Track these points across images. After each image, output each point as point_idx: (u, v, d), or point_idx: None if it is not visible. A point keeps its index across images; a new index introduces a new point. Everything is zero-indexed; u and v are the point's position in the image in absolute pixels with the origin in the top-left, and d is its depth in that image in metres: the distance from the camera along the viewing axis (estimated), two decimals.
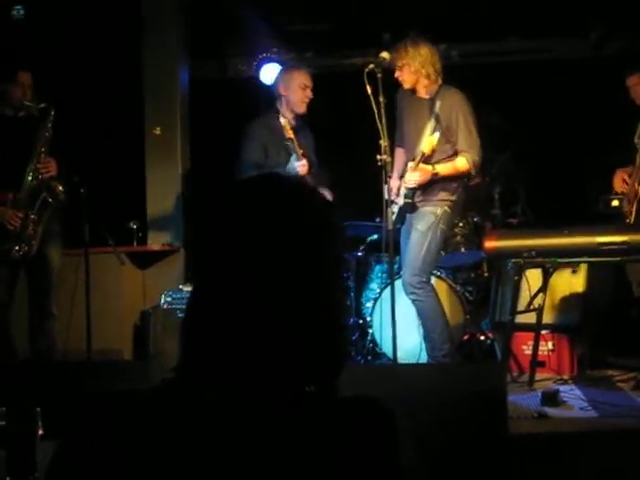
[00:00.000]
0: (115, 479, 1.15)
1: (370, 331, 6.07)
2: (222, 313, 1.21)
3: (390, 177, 5.11)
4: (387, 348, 5.71)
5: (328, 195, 5.84)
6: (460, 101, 5.16)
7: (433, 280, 5.47)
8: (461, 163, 5.13)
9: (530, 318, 5.20)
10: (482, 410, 3.56)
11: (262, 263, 1.20)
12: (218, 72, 8.37)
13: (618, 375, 5.22)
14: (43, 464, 2.26)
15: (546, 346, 5.41)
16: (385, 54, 5.09)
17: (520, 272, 5.22)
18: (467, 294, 6.11)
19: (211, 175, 6.85)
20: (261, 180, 1.33)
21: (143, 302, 6.72)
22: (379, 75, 4.94)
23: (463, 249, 6.30)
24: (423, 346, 5.34)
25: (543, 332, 5.29)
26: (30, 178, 5.20)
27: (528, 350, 5.33)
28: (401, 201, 5.21)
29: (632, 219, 5.27)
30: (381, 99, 4.93)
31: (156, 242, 7.19)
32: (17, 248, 5.15)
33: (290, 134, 5.51)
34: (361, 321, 6.35)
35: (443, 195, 5.19)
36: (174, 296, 5.77)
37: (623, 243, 4.82)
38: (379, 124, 4.94)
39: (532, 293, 5.17)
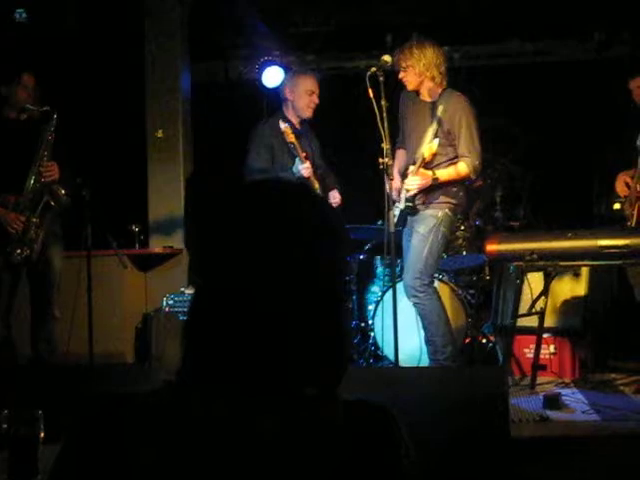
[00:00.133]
0: None
1: (372, 334, 6.07)
2: (224, 316, 1.21)
3: (392, 179, 5.10)
4: (389, 351, 5.71)
5: (337, 197, 5.86)
6: (463, 105, 5.15)
7: (435, 283, 5.46)
8: (461, 168, 5.12)
9: (532, 321, 5.19)
10: (484, 413, 3.55)
11: (264, 266, 1.20)
12: (220, 75, 8.38)
13: (620, 378, 5.22)
14: (45, 467, 2.26)
15: (548, 349, 5.41)
16: (387, 57, 5.08)
17: (522, 275, 5.22)
18: (469, 297, 6.10)
19: (213, 178, 6.86)
20: (264, 184, 1.33)
21: (145, 305, 6.73)
22: (381, 78, 4.94)
23: (465, 252, 6.31)
24: (424, 349, 5.33)
25: (545, 335, 5.29)
26: (32, 181, 5.20)
27: (530, 353, 5.33)
28: (402, 204, 5.20)
29: (634, 222, 5.26)
30: (383, 102, 4.93)
31: (158, 245, 7.20)
32: (19, 251, 5.15)
33: (292, 139, 5.52)
34: (363, 324, 6.35)
35: (444, 198, 5.18)
36: (176, 299, 5.77)
37: (625, 247, 4.82)
38: (381, 127, 4.93)
39: (534, 296, 5.16)
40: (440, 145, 5.08)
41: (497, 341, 5.88)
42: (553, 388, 5.00)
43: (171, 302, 5.79)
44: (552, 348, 5.44)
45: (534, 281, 5.27)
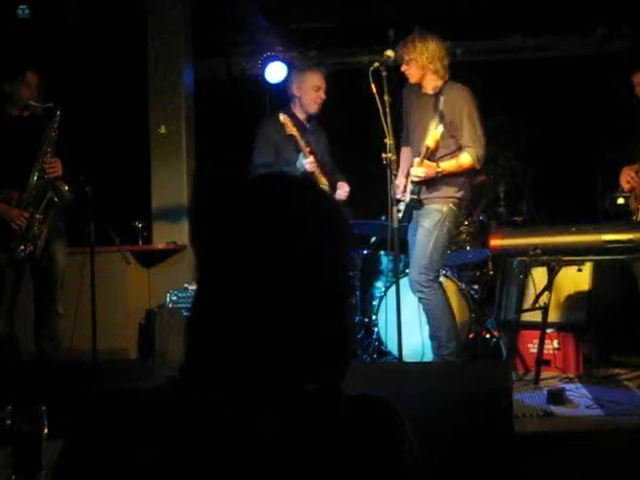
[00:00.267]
0: (120, 477, 1.15)
1: (376, 329, 6.07)
2: (227, 312, 1.21)
3: (396, 176, 5.10)
4: (392, 346, 5.71)
5: (345, 188, 5.87)
6: (464, 96, 5.15)
7: (441, 278, 5.46)
8: (465, 159, 5.10)
9: (536, 316, 5.19)
10: (487, 409, 3.55)
11: (267, 261, 1.20)
12: (222, 71, 8.38)
13: (624, 373, 5.21)
14: (49, 463, 2.26)
15: (552, 344, 5.40)
16: (390, 52, 5.08)
17: (525, 270, 5.22)
18: (472, 292, 6.10)
19: (213, 173, 6.86)
20: (267, 178, 1.32)
21: (148, 301, 6.73)
22: (384, 73, 4.94)
23: (468, 247, 6.31)
24: (427, 344, 5.33)
25: (549, 330, 5.28)
26: (36, 178, 5.21)
27: (534, 348, 5.32)
28: (407, 198, 5.20)
29: (638, 216, 5.25)
30: (386, 98, 4.93)
31: (161, 241, 7.21)
32: (22, 247, 5.16)
33: (292, 130, 5.55)
34: (367, 319, 6.35)
35: (448, 192, 5.17)
36: (179, 295, 5.77)
37: (629, 241, 4.81)
38: (384, 122, 4.93)
39: (537, 291, 5.16)
40: (442, 136, 5.07)
41: (501, 336, 5.88)
42: (557, 383, 4.99)
43: (174, 298, 5.79)
44: (556, 343, 5.43)
45: (538, 276, 5.27)
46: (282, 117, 5.57)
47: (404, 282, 5.31)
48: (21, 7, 6.53)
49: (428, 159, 5.06)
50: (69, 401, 2.29)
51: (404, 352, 5.03)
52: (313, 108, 5.77)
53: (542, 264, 5.12)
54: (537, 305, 5.12)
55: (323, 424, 1.16)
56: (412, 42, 5.13)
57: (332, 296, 1.24)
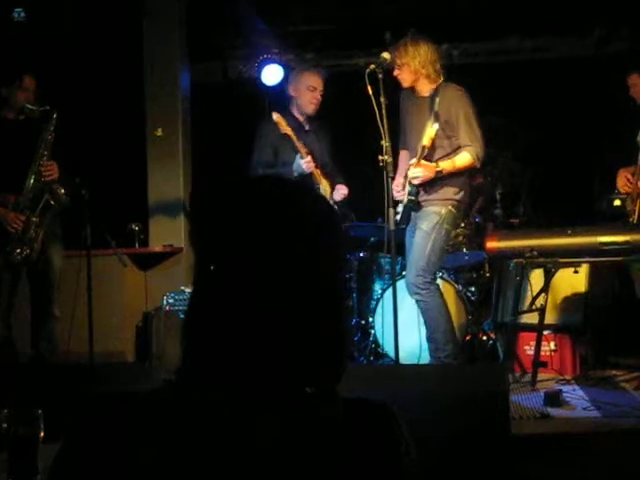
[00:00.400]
0: (119, 479, 1.15)
1: (372, 332, 6.07)
2: (225, 313, 1.21)
3: (393, 178, 5.10)
4: (389, 349, 5.71)
5: (344, 190, 5.89)
6: (458, 96, 5.15)
7: (438, 281, 5.46)
8: (465, 157, 5.09)
9: (532, 318, 5.19)
10: (485, 411, 3.55)
11: (265, 263, 1.20)
12: (219, 74, 8.38)
13: (621, 375, 5.22)
14: (45, 466, 2.26)
15: (548, 346, 5.40)
16: (386, 54, 5.08)
17: (522, 272, 5.22)
18: (469, 294, 6.10)
19: (212, 176, 6.86)
20: (264, 180, 1.33)
21: (145, 304, 6.73)
22: (380, 76, 4.94)
23: (465, 249, 6.30)
24: (424, 347, 5.33)
25: (545, 332, 5.29)
26: (32, 181, 5.20)
27: (530, 350, 5.32)
28: (405, 200, 5.20)
29: (635, 218, 5.26)
30: (382, 100, 4.93)
31: (158, 244, 7.20)
32: (19, 250, 5.16)
33: (287, 130, 5.59)
34: (363, 322, 6.35)
35: (447, 195, 5.17)
36: (176, 297, 5.77)
37: (625, 243, 4.82)
38: (380, 124, 4.93)
39: (534, 293, 5.16)
40: (437, 137, 5.07)
41: (498, 338, 5.88)
42: (554, 385, 4.99)
43: (171, 301, 5.79)
44: (553, 345, 5.43)
45: (534, 278, 5.27)
46: (275, 116, 5.62)
47: (401, 284, 5.31)
48: (17, 10, 6.53)
49: (425, 159, 5.06)
50: (66, 404, 2.29)
51: (401, 354, 5.02)
52: (309, 109, 5.81)
53: (538, 266, 5.13)
54: (534, 307, 5.13)
55: (321, 426, 1.16)
56: (404, 46, 5.13)
57: (329, 297, 1.25)
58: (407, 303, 5.32)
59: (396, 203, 5.16)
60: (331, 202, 5.80)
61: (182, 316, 5.61)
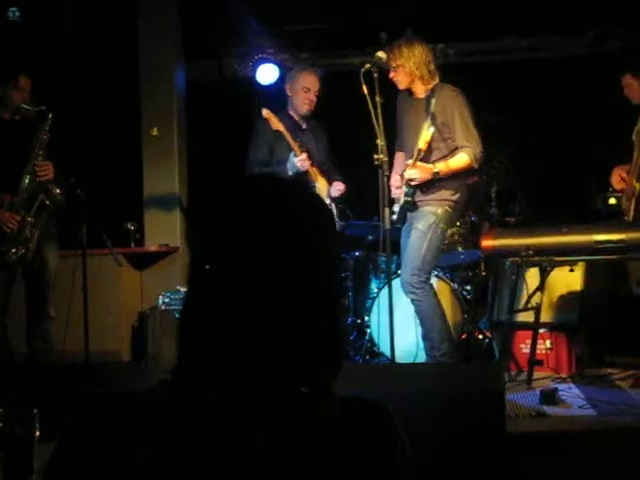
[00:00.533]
0: (115, 478, 1.15)
1: (368, 331, 6.07)
2: (220, 311, 1.21)
3: (388, 177, 5.09)
4: (385, 348, 5.71)
5: (340, 187, 5.90)
6: (454, 97, 5.15)
7: (432, 280, 5.46)
8: (462, 158, 5.08)
9: (528, 317, 5.20)
10: (480, 409, 3.55)
11: (260, 261, 1.20)
12: (214, 73, 8.37)
13: (616, 373, 5.22)
14: (40, 466, 2.26)
15: (544, 345, 5.41)
16: (381, 54, 5.08)
17: (518, 271, 5.22)
18: (465, 293, 6.10)
19: (208, 175, 6.86)
20: (259, 179, 1.33)
21: (141, 303, 6.72)
22: (375, 75, 4.94)
23: (460, 248, 6.30)
24: (420, 346, 5.33)
25: (541, 331, 5.29)
26: (27, 181, 5.20)
27: (526, 349, 5.33)
28: (402, 200, 5.20)
29: (630, 216, 5.26)
30: (377, 99, 4.92)
31: (153, 243, 7.20)
32: (14, 250, 5.15)
33: (279, 126, 5.62)
34: (359, 321, 6.35)
35: (444, 195, 5.17)
36: (172, 297, 5.77)
37: (620, 241, 4.82)
38: (375, 124, 4.93)
39: (530, 292, 5.16)
40: (434, 140, 5.07)
41: (493, 337, 5.88)
42: (550, 383, 4.99)
43: (167, 300, 5.79)
44: (548, 343, 5.44)
45: (530, 276, 5.27)
46: (265, 112, 5.65)
47: (397, 283, 5.31)
48: (11, 9, 6.52)
49: (421, 161, 5.07)
50: (62, 403, 2.28)
51: (397, 353, 5.02)
52: (303, 109, 5.84)
53: (534, 264, 5.13)
54: (529, 305, 5.13)
55: (316, 425, 1.16)
56: (399, 48, 5.13)
57: (324, 296, 1.25)
58: (403, 302, 5.32)
59: (392, 202, 5.15)
60: (328, 200, 5.81)
61: (178, 315, 5.62)
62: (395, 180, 5.24)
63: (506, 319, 5.44)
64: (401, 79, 5.20)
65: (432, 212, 5.14)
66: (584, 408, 4.37)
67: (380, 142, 4.95)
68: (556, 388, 4.68)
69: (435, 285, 5.51)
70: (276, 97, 6.12)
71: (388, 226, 4.99)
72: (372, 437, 1.17)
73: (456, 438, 3.38)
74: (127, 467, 1.14)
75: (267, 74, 7.39)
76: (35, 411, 2.33)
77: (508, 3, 7.33)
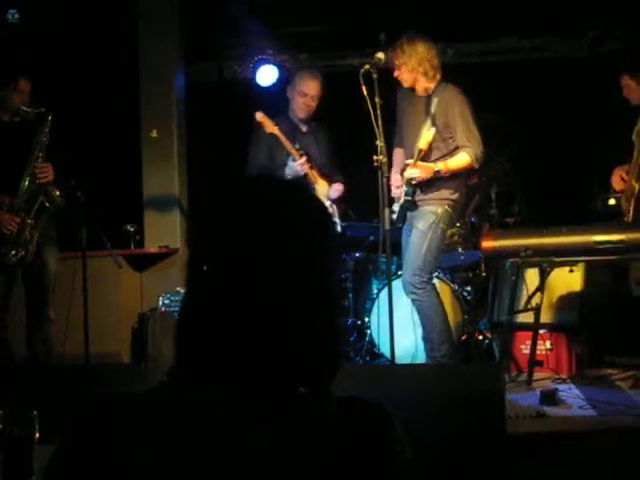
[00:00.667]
0: (115, 479, 1.15)
1: (368, 332, 6.07)
2: (219, 312, 1.21)
3: (388, 178, 5.09)
4: (385, 348, 5.71)
5: (339, 188, 5.91)
6: (455, 96, 5.15)
7: (434, 280, 5.46)
8: (463, 158, 5.09)
9: (528, 317, 5.20)
10: (481, 410, 3.55)
11: (259, 262, 1.20)
12: (214, 75, 8.37)
13: (616, 374, 5.21)
14: (40, 468, 2.26)
15: (544, 345, 5.40)
16: (381, 55, 5.08)
17: (518, 272, 5.22)
18: (465, 294, 6.10)
19: (207, 177, 6.86)
20: (258, 180, 1.33)
21: (141, 305, 6.72)
22: (375, 76, 4.94)
23: (460, 249, 6.30)
24: (420, 346, 5.33)
25: (541, 331, 5.29)
26: (27, 183, 5.20)
27: (526, 349, 5.32)
28: (402, 200, 5.20)
29: (630, 217, 5.26)
30: (377, 100, 4.93)
31: (153, 245, 7.20)
32: (14, 252, 5.15)
33: (273, 130, 5.62)
34: (359, 322, 6.35)
35: (444, 194, 5.17)
36: (172, 298, 5.77)
37: (620, 242, 4.82)
38: (375, 125, 4.93)
39: (530, 292, 5.16)
40: (434, 139, 5.07)
41: (494, 337, 5.88)
42: (550, 384, 4.99)
43: (167, 302, 5.78)
44: (548, 344, 5.43)
45: (530, 277, 5.27)
46: (258, 116, 5.65)
47: (397, 284, 5.31)
48: (10, 12, 6.51)
49: (421, 160, 5.07)
50: (61, 405, 2.28)
51: (397, 354, 5.02)
52: (300, 113, 5.84)
53: (534, 265, 5.13)
54: (529, 306, 5.13)
55: (314, 425, 1.16)
56: (400, 47, 5.15)
57: (323, 297, 1.25)
58: (403, 303, 5.32)
59: (391, 202, 5.15)
60: (327, 202, 5.81)
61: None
62: (395, 179, 5.24)
63: (506, 320, 5.44)
64: (405, 77, 5.21)
65: (432, 212, 5.14)
66: (584, 409, 4.37)
67: (379, 143, 4.95)
68: (556, 389, 4.68)
69: (436, 286, 5.51)
70: (278, 99, 6.11)
71: (388, 227, 4.99)
72: (371, 438, 1.17)
73: (456, 439, 3.38)
74: (127, 468, 1.14)
75: (267, 75, 7.38)
76: (35, 413, 2.33)
77: (508, 3, 7.33)
